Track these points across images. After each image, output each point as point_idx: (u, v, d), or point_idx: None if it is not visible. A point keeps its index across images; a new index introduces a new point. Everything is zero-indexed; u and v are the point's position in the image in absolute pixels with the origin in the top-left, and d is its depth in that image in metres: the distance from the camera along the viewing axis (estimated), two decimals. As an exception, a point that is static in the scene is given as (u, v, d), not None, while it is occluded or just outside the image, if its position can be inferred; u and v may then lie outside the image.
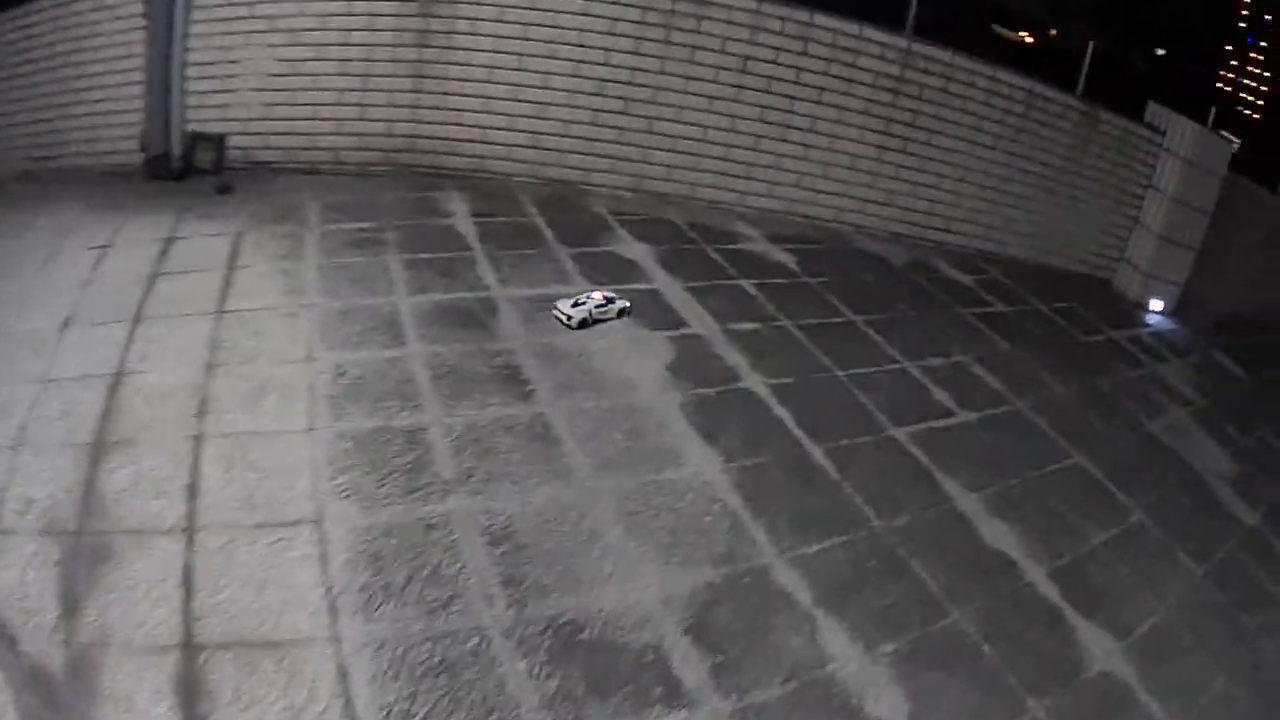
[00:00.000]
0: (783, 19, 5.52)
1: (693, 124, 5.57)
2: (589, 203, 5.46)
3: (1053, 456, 4.19)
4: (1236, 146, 7.11)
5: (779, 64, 5.60)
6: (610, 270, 4.58)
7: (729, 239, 5.44)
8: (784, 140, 5.76)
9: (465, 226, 4.77)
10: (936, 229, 6.54)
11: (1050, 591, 3.38)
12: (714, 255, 5.10)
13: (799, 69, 5.67)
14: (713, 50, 5.44)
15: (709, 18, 5.37)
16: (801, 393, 3.95)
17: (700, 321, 4.31)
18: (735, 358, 4.07)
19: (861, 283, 5.40)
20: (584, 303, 4.18)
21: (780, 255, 5.40)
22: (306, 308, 3.64)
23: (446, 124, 5.21)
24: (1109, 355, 5.97)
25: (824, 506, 3.43)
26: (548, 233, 4.86)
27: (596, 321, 4.15)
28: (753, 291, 4.76)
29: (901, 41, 5.86)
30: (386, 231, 4.43)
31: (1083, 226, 7.30)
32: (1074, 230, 7.27)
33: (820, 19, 5.58)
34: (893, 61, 5.86)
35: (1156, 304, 7.50)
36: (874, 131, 6.00)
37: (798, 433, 3.74)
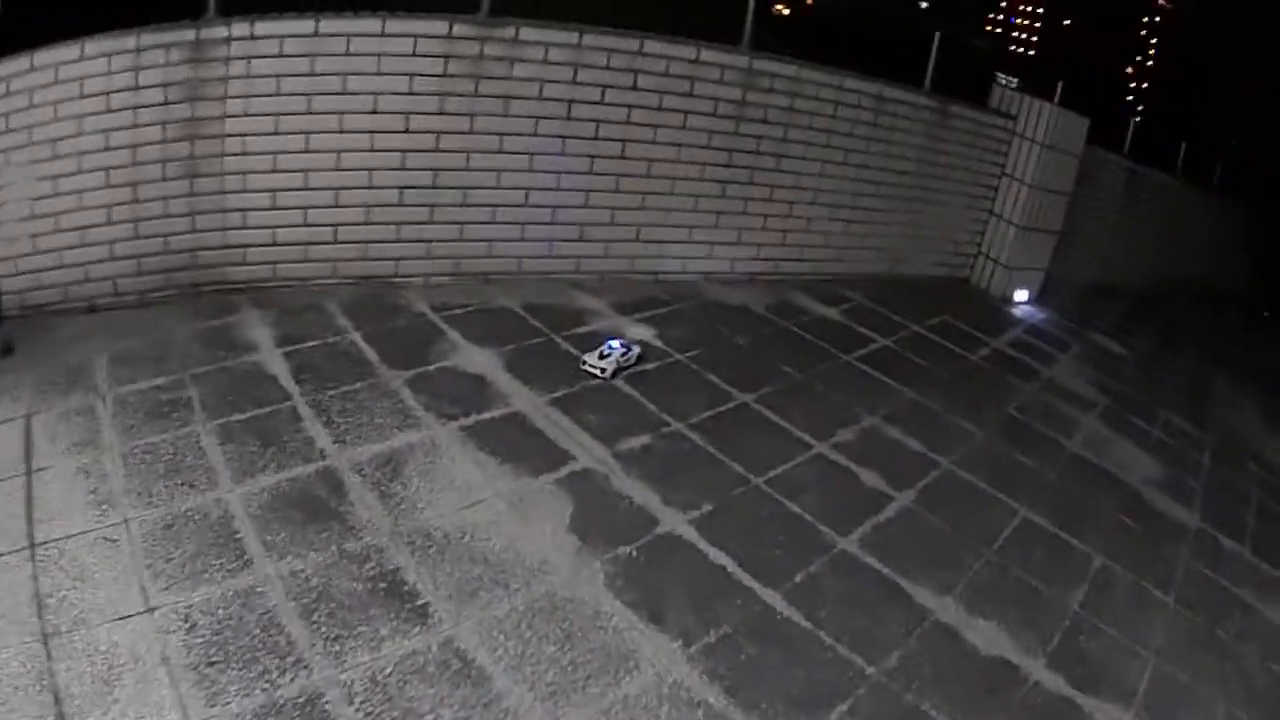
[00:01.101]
0: (608, 51, 5.20)
1: (513, 188, 5.20)
2: (406, 300, 4.98)
3: (1001, 518, 4.22)
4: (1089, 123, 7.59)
5: (607, 104, 5.31)
6: (456, 393, 4.15)
7: (575, 319, 5.11)
8: (617, 191, 5.50)
9: (275, 363, 4.19)
10: (790, 260, 6.44)
11: (1055, 682, 3.36)
12: (566, 346, 4.75)
13: (630, 107, 5.41)
14: (530, 98, 5.07)
15: (522, 59, 4.97)
16: (730, 522, 3.69)
17: (584, 449, 3.95)
18: (641, 492, 3.75)
19: (734, 347, 5.26)
20: (609, 353, 4.50)
21: (637, 331, 5.13)
22: (123, 526, 3.17)
23: (229, 229, 4.56)
24: (1003, 371, 6.19)
25: (811, 672, 3.18)
26: (370, 353, 4.37)
27: (621, 370, 4.50)
28: (626, 389, 4.47)
29: (742, 59, 5.70)
30: (187, 386, 3.85)
31: (937, 229, 7.36)
32: (928, 234, 7.31)
33: (651, 45, 5.30)
34: (733, 84, 5.68)
35: (1021, 295, 7.84)
36: (717, 166, 5.75)
37: (748, 581, 3.44)
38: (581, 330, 5.00)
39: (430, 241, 4.83)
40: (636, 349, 4.70)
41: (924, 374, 5.65)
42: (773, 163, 5.75)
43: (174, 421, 3.71)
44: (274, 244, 4.56)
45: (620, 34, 4.93)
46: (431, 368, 4.36)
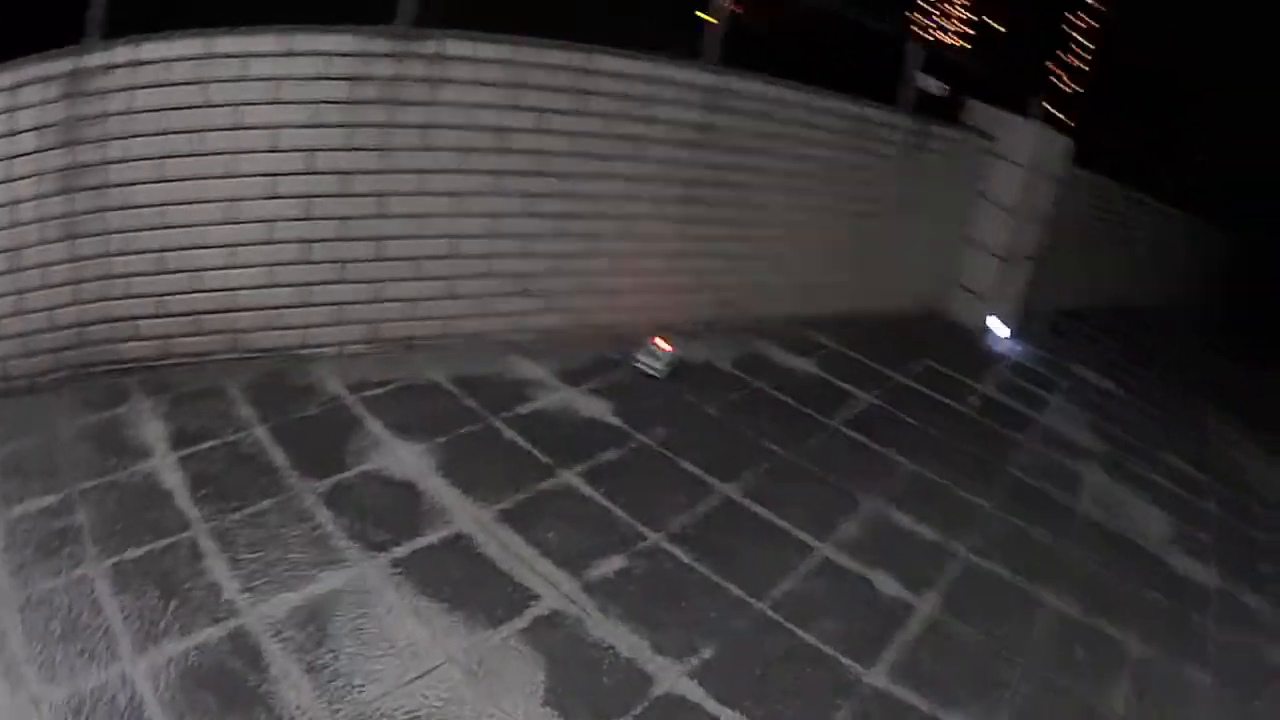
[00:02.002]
0: (551, 68, 4.74)
1: (438, 235, 4.67)
2: (318, 377, 4.45)
3: (1031, 615, 4.01)
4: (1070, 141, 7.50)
5: (550, 131, 4.85)
6: (384, 510, 3.61)
7: (516, 395, 4.64)
8: (563, 235, 5.02)
9: (170, 473, 3.63)
10: (755, 303, 6.13)
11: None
12: (510, 434, 4.28)
13: (576, 134, 4.96)
14: (457, 126, 4.56)
15: (448, 79, 4.47)
16: (738, 668, 3.25)
17: (548, 582, 3.45)
18: (625, 639, 3.26)
19: (704, 420, 4.87)
20: (661, 355, 4.93)
21: (590, 406, 4.69)
22: (34, 707, 2.64)
23: (114, 299, 3.93)
24: (996, 423, 6.01)
25: None
26: (278, 455, 3.83)
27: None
28: (587, 490, 4.02)
29: (707, 76, 5.30)
30: (77, 509, 3.25)
31: (912, 259, 7.19)
32: (902, 266, 7.17)
33: (602, 60, 4.86)
34: (695, 105, 5.28)
35: (1000, 329, 7.73)
36: (674, 202, 5.33)
37: (775, 748, 3.01)
38: (525, 410, 4.53)
39: (342, 304, 4.30)
40: (679, 352, 5.09)
41: (917, 437, 5.39)
42: (736, 195, 5.38)
43: (66, 560, 3.13)
44: (164, 315, 3.98)
45: (565, 47, 4.47)
46: (351, 474, 3.83)
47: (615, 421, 4.60)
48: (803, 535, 4.14)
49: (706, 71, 5.01)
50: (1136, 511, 5.34)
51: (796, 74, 5.62)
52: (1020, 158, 6.75)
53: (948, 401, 6.14)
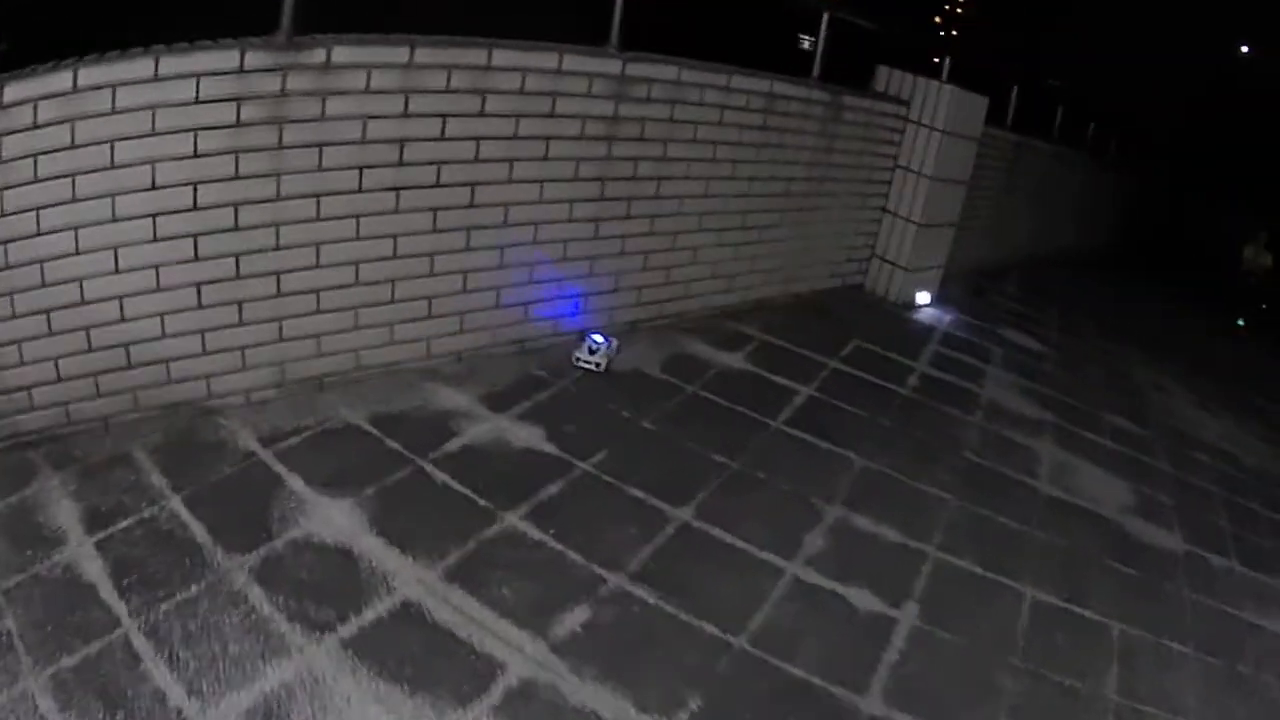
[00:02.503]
0: (448, 69, 4.53)
1: (338, 263, 4.46)
2: (228, 431, 4.23)
3: (1011, 609, 4.05)
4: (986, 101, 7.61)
5: (449, 138, 4.65)
6: (321, 583, 3.39)
7: (442, 430, 4.49)
8: (468, 249, 4.84)
9: (89, 562, 3.36)
10: (675, 300, 6.07)
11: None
12: (442, 477, 4.12)
13: (478, 139, 4.77)
14: (350, 142, 4.34)
15: (338, 91, 4.24)
16: (729, 716, 3.16)
17: (511, 646, 3.28)
18: (607, 701, 3.12)
19: (643, 436, 4.80)
20: (597, 348, 5.17)
21: (522, 434, 4.55)
22: None
23: (7, 367, 3.63)
24: (939, 401, 6.11)
25: None
26: (198, 530, 3.58)
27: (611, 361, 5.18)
28: (536, 534, 3.88)
29: (613, 64, 5.15)
30: (4, 613, 3.02)
31: (829, 235, 7.03)
32: (821, 243, 6.97)
33: (502, 55, 4.66)
34: (604, 96, 5.12)
35: (922, 297, 7.71)
36: (588, 200, 5.15)
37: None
38: (454, 446, 4.39)
39: (244, 348, 4.08)
40: (615, 342, 5.27)
41: (863, 427, 5.42)
42: (652, 188, 5.28)
43: (4, 675, 2.90)
44: (59, 379, 3.70)
45: (462, 44, 4.29)
46: (279, 543, 3.64)
47: (551, 449, 4.50)
48: (768, 556, 4.10)
49: (613, 58, 4.86)
50: (1094, 481, 5.51)
51: (700, 50, 5.51)
52: (936, 122, 6.80)
53: (884, 384, 6.19)
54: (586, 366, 5.18)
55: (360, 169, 4.34)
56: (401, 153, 4.43)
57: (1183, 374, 8.76)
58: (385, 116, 4.33)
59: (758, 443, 4.97)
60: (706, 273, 5.83)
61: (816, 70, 6.23)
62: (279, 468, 4.04)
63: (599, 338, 5.26)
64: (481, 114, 4.64)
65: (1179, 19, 29.98)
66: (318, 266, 4.34)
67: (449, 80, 4.47)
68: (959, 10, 52.19)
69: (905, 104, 6.90)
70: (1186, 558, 4.89)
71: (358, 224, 4.41)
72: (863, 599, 3.94)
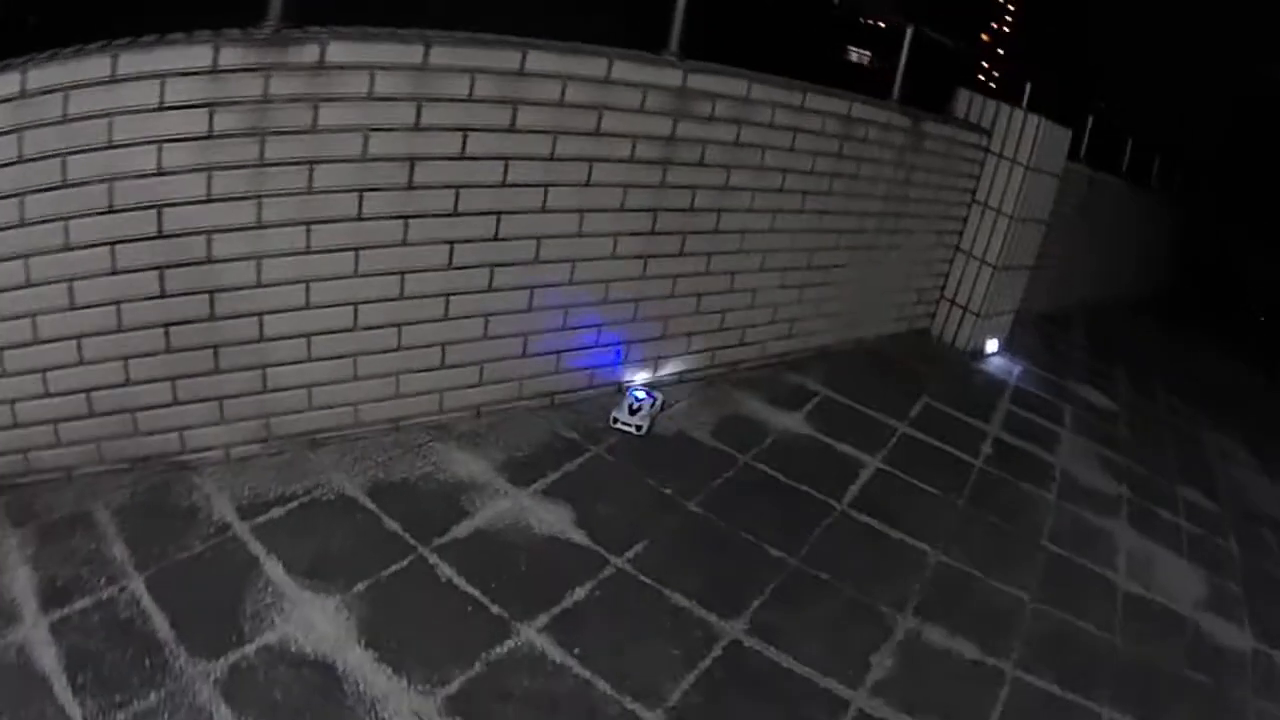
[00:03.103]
0: (471, 73, 3.71)
1: (334, 304, 3.65)
2: (202, 494, 3.51)
3: None
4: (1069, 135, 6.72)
5: (470, 157, 3.83)
6: (297, 706, 2.68)
7: (451, 507, 3.68)
8: (490, 290, 4.02)
9: (45, 649, 2.74)
10: (729, 347, 5.22)
11: None
12: (448, 571, 3.32)
13: (507, 159, 3.93)
14: (349, 160, 3.52)
15: (335, 97, 3.43)
16: None
17: None
18: None
19: (690, 521, 3.97)
20: (639, 406, 4.34)
21: (547, 516, 3.74)
22: None
23: None
24: (1010, 474, 5.32)
25: None
26: (160, 622, 2.88)
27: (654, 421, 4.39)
28: (557, 654, 3.06)
29: (672, 74, 4.33)
30: None
31: (901, 277, 6.31)
32: (890, 284, 6.24)
33: (538, 60, 3.85)
34: (659, 112, 4.31)
35: (992, 345, 6.95)
36: (636, 234, 4.36)
37: None
38: (464, 530, 3.59)
39: (223, 398, 3.29)
40: (660, 396, 4.54)
41: (935, 509, 4.67)
42: (711, 221, 4.46)
43: None
44: (15, 424, 3.11)
45: (489, 45, 3.48)
46: (251, 649, 2.87)
47: (579, 538, 3.67)
48: (830, 683, 3.30)
49: (672, 67, 4.02)
50: (1170, 572, 4.91)
51: (769, 63, 4.67)
52: (1020, 155, 5.93)
53: (957, 453, 5.41)
54: (626, 429, 4.39)
55: (359, 192, 3.51)
56: (411, 173, 3.59)
57: (1247, 438, 8.16)
58: (392, 129, 3.53)
59: (821, 532, 4.19)
60: (766, 317, 5.00)
61: (896, 92, 5.29)
62: (257, 547, 3.27)
63: (641, 393, 4.49)
64: (512, 129, 3.80)
65: (1213, 39, 28.42)
66: (307, 308, 3.54)
67: (472, 88, 3.63)
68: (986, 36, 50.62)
69: (987, 133, 6.03)
70: (1254, 657, 4.37)
71: (357, 258, 3.57)
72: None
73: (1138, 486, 5.86)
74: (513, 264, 4.02)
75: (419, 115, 3.59)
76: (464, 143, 3.75)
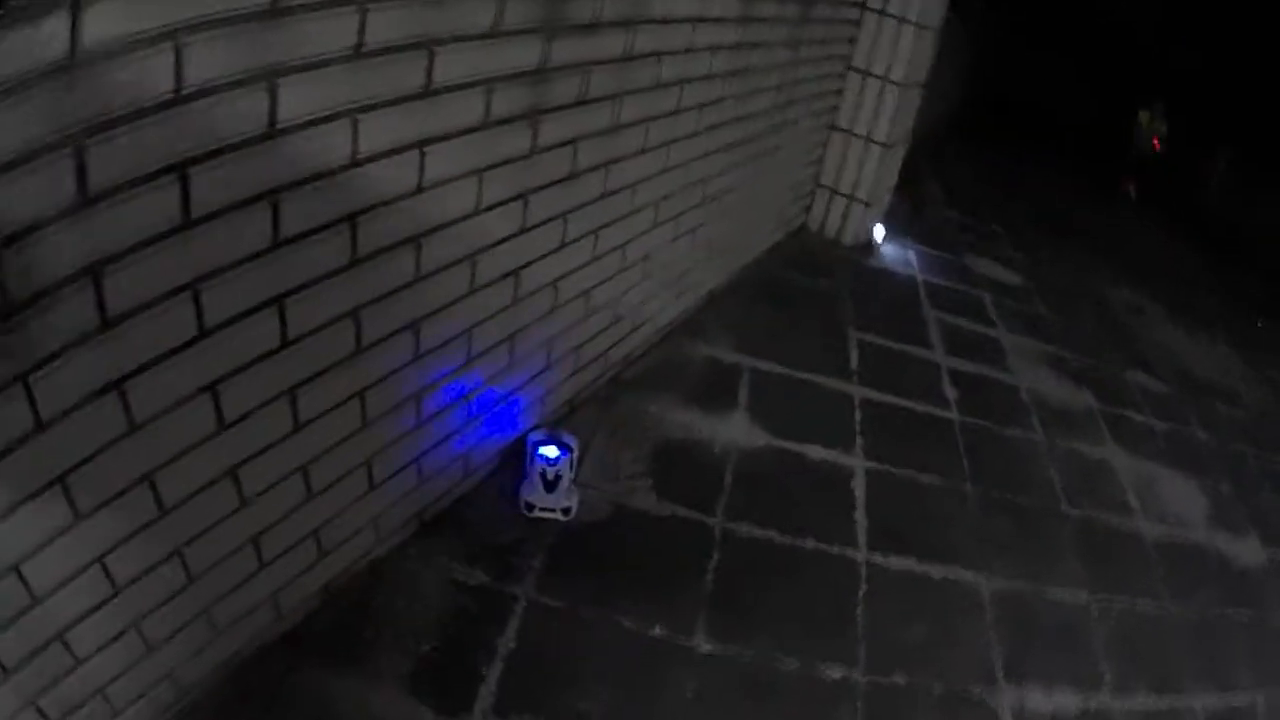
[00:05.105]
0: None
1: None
2: None
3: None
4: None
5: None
6: None
7: None
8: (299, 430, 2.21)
9: None
10: (623, 339, 3.52)
11: None
12: None
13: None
14: None
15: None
16: None
17: None
18: None
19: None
20: (556, 471, 2.73)
21: None
22: None
23: None
24: (992, 421, 4.29)
25: None
26: None
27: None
28: None
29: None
30: None
31: (784, 179, 4.84)
32: (776, 192, 4.69)
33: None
34: (527, 29, 2.43)
35: (879, 233, 5.69)
36: (498, 243, 2.66)
37: None
38: None
39: None
40: (573, 446, 2.84)
41: (953, 512, 3.57)
42: (597, 185, 2.74)
43: None
44: None
45: None
46: None
47: None
48: None
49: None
50: (1173, 495, 4.20)
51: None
52: (910, 13, 4.44)
53: (930, 410, 4.26)
54: (548, 516, 2.82)
55: None
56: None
57: (1139, 281, 7.68)
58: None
59: (860, 607, 2.94)
60: (659, 285, 3.34)
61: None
62: None
63: (551, 449, 2.81)
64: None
65: None
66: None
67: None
68: None
69: (860, -4, 4.41)
70: (1268, 570, 3.95)
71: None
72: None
73: (1097, 387, 5.01)
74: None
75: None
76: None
